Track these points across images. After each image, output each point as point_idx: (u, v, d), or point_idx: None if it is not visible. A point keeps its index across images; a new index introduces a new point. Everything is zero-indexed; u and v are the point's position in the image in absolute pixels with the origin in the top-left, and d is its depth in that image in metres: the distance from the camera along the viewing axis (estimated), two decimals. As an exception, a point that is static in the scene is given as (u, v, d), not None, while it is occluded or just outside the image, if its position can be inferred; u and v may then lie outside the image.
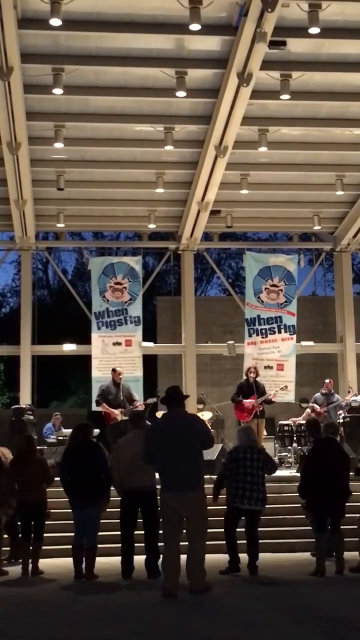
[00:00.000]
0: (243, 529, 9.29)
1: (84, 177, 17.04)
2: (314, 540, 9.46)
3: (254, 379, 14.41)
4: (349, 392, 16.46)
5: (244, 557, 9.16)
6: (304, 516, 9.85)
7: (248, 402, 14.01)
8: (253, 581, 8.74)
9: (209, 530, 8.30)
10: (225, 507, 9.32)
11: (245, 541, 9.23)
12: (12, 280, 35.43)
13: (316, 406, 15.33)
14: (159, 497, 8.94)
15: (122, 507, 9.08)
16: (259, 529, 9.38)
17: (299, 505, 9.74)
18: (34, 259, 20.76)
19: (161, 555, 8.81)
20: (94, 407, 15.17)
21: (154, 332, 23.28)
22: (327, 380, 16.12)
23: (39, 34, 12.92)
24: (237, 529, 9.30)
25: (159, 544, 8.95)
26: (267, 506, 9.45)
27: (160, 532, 8.42)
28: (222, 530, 9.27)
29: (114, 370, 14.34)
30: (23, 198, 16.28)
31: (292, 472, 13.59)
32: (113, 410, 13.58)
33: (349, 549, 9.38)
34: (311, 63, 13.83)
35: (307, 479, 9.29)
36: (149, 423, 10.49)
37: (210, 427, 12.50)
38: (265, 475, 9.35)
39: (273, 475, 9.76)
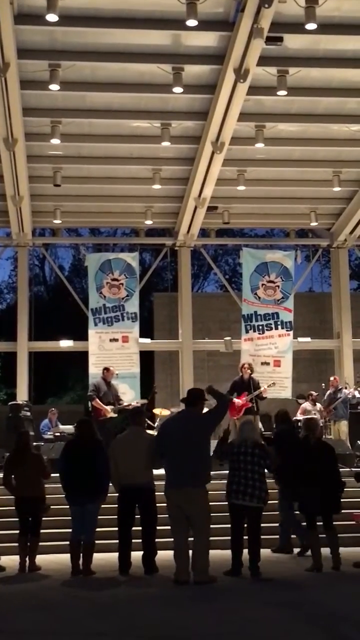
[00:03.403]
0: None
1: (80, 174, 17.02)
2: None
3: (249, 375, 14.39)
4: (345, 387, 16.51)
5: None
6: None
7: (237, 400, 13.96)
8: (251, 577, 8.73)
9: (213, 526, 8.40)
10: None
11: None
12: (8, 276, 35.49)
13: (316, 406, 15.48)
14: (156, 494, 8.99)
15: (119, 503, 9.09)
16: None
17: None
18: (31, 255, 20.78)
19: (158, 551, 8.89)
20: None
21: (150, 328, 23.25)
22: (331, 378, 16.23)
23: (35, 29, 12.92)
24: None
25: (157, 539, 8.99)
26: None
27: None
28: (227, 526, 9.06)
29: (107, 369, 14.32)
30: (20, 194, 16.26)
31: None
32: (105, 406, 13.58)
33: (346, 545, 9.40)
34: (308, 59, 13.84)
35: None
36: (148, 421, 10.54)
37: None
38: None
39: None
